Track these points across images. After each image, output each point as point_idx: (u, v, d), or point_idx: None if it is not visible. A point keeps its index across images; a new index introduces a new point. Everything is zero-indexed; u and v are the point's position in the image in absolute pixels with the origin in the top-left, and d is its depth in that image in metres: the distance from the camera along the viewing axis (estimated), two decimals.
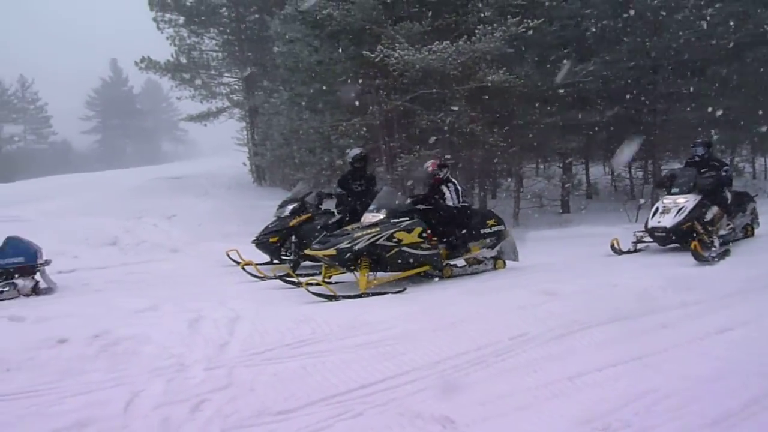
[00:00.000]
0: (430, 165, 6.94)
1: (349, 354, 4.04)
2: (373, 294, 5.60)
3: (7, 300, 5.86)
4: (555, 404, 3.23)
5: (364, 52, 9.39)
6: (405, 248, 5.86)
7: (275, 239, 7.41)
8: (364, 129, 11.22)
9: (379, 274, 6.06)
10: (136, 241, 10.80)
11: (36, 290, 6.07)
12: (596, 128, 13.37)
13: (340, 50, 10.48)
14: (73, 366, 3.87)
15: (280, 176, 22.91)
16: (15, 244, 6.04)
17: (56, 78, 57.85)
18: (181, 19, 23.51)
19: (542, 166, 18.35)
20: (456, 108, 10.37)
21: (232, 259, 7.56)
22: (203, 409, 3.24)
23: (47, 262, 6.29)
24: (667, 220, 7.62)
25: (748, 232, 8.69)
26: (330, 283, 6.11)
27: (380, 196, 6.25)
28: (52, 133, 59.11)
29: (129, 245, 10.39)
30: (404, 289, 5.68)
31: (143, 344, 4.21)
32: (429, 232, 6.13)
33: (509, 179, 15.68)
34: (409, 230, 5.92)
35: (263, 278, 6.74)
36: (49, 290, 6.19)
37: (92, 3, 79.26)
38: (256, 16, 23.48)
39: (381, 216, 5.97)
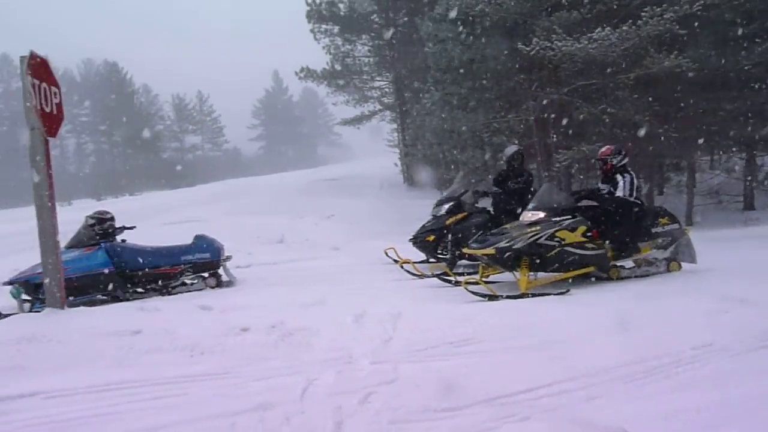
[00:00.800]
0: (604, 150, 6.51)
1: (512, 355, 3.95)
2: (535, 295, 5.43)
3: (195, 291, 6.58)
4: (751, 426, 2.88)
5: (519, 45, 9.14)
6: (568, 248, 5.60)
7: (431, 238, 7.49)
8: (521, 125, 10.91)
9: (541, 274, 5.85)
10: (301, 239, 11.54)
11: (219, 283, 6.75)
12: None
13: (492, 47, 10.31)
14: (255, 353, 4.23)
15: (431, 176, 23.20)
16: (202, 242, 6.76)
17: (228, 91, 63.95)
18: (336, 29, 24.80)
19: (719, 158, 16.49)
20: (619, 98, 9.67)
21: (389, 257, 7.79)
22: (371, 401, 3.36)
23: (228, 258, 6.96)
24: None
25: None
26: (488, 282, 6.03)
27: (540, 194, 6.03)
28: (225, 142, 65.72)
29: (294, 243, 11.13)
30: (568, 291, 5.44)
31: (314, 336, 4.47)
32: (594, 231, 5.80)
33: (679, 173, 14.31)
34: (572, 229, 5.64)
35: (420, 276, 6.84)
36: (230, 283, 6.84)
37: (257, 20, 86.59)
38: (406, 19, 24.00)
39: (541, 214, 5.76)
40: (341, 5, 24.48)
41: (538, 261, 5.60)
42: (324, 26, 24.79)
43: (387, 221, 14.05)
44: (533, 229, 5.59)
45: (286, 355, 4.17)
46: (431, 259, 7.76)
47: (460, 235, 7.25)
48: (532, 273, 5.70)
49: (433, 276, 6.43)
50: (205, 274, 6.69)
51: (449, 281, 6.30)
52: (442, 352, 4.09)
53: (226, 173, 53.00)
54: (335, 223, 14.33)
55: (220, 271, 6.84)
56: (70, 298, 6.02)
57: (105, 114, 54.45)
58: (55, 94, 5.13)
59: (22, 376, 4.00)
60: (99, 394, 3.71)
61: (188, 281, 6.67)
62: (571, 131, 10.58)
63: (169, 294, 6.53)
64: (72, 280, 6.06)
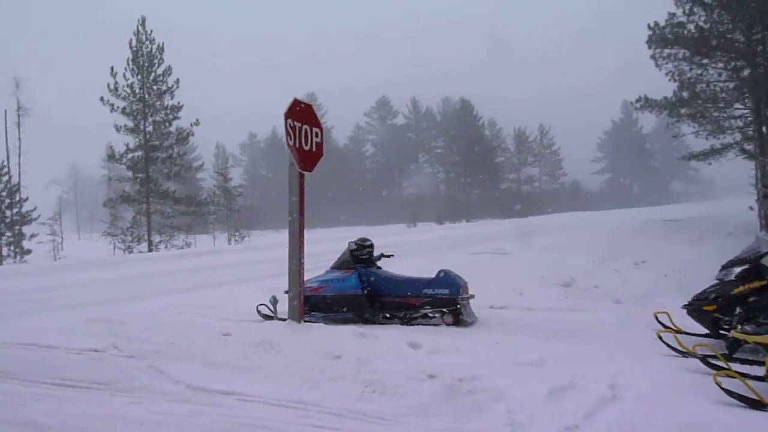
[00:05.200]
0: None
1: None
2: None
3: (432, 326, 6.61)
4: None
5: None
6: None
7: (711, 308, 5.85)
8: None
9: None
10: (588, 285, 10.53)
11: (458, 321, 6.63)
12: None
13: None
14: (424, 404, 4.00)
15: None
16: (444, 277, 6.76)
17: (570, 124, 63.36)
18: (682, 53, 22.09)
19: None
20: None
21: (660, 323, 6.41)
22: None
23: (470, 297, 6.79)
24: None
25: None
26: (764, 380, 4.44)
27: None
28: (563, 174, 65.05)
29: (579, 289, 10.22)
30: None
31: (494, 401, 3.99)
32: None
33: None
34: None
35: (686, 354, 5.43)
36: (468, 323, 6.66)
37: (604, 52, 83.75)
38: None
39: None
40: (690, 26, 21.70)
41: None
42: (667, 51, 22.39)
43: (712, 276, 11.73)
44: None
45: (451, 416, 3.83)
46: (726, 334, 6.07)
47: (755, 310, 5.50)
48: None
49: (698, 357, 4.99)
50: (444, 310, 6.66)
51: (719, 368, 4.81)
52: None
53: (563, 206, 52.53)
54: (642, 271, 12.66)
55: (461, 308, 6.70)
56: (317, 313, 6.78)
57: (456, 146, 59.89)
58: (316, 134, 5.87)
59: (236, 376, 4.64)
60: (279, 408, 4.07)
61: (430, 315, 6.74)
62: None
63: (410, 324, 6.73)
64: (327, 297, 6.81)
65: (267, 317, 6.80)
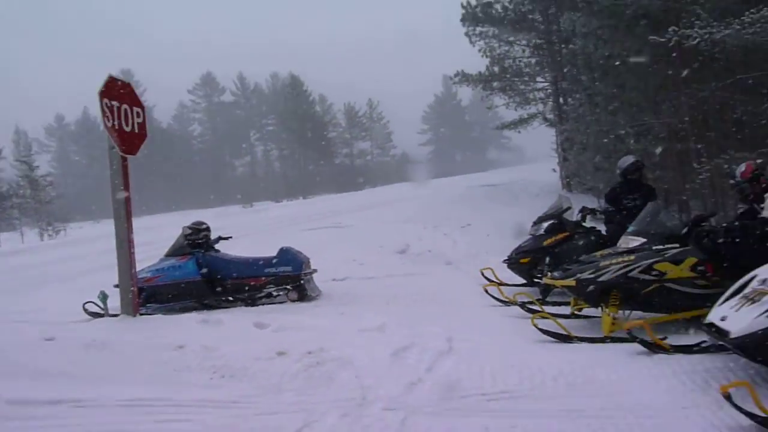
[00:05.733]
0: (743, 168, 5.33)
1: (554, 421, 3.22)
2: (621, 340, 4.47)
3: (277, 303, 6.63)
4: None
5: (650, 37, 7.80)
6: (669, 284, 4.51)
7: (526, 260, 6.68)
8: (666, 129, 9.38)
9: (637, 313, 4.84)
10: (422, 250, 11.20)
11: (303, 297, 6.72)
12: None
13: (633, 40, 8.98)
14: (274, 382, 4.02)
15: (591, 183, 21.45)
16: (286, 255, 6.79)
17: (399, 99, 65.74)
18: (491, 30, 24.03)
19: None
20: None
21: (486, 278, 7.11)
22: None
23: (312, 272, 6.90)
24: None
25: None
26: (579, 316, 5.16)
27: (642, 215, 4.98)
28: (393, 147, 67.62)
29: (413, 254, 10.84)
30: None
31: (342, 369, 4.14)
32: (709, 264, 4.58)
33: None
34: (676, 261, 4.53)
35: (507, 303, 6.11)
36: (312, 298, 6.78)
37: (426, 27, 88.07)
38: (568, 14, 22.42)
39: (640, 241, 4.75)
40: (497, 6, 23.62)
41: (630, 297, 4.61)
42: (479, 29, 24.17)
43: (526, 232, 13.12)
44: (626, 258, 4.61)
45: (301, 389, 3.90)
46: (539, 281, 6.92)
47: (560, 259, 6.36)
48: (627, 311, 4.74)
49: (518, 304, 5.67)
50: (289, 287, 6.69)
51: (535, 312, 5.50)
52: (470, 405, 3.51)
53: (394, 178, 54.66)
54: (468, 233, 13.73)
55: (305, 284, 6.78)
56: (154, 305, 6.43)
57: (287, 123, 59.28)
58: (138, 114, 5.47)
59: (66, 382, 4.24)
60: (123, 408, 3.78)
61: (274, 293, 6.73)
62: (729, 135, 8.74)
63: (254, 305, 6.66)
64: (163, 287, 6.47)
65: (96, 315, 6.26)
